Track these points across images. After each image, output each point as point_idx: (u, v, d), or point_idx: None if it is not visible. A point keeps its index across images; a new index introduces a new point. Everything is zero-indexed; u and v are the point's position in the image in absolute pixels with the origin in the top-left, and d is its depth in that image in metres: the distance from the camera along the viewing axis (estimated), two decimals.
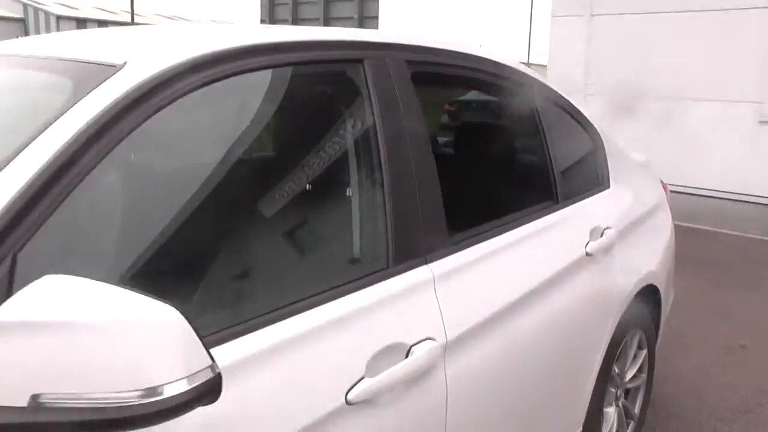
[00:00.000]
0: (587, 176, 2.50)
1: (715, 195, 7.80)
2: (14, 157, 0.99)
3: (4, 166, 0.98)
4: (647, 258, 2.63)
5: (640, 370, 2.69)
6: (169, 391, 0.79)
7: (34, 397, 0.77)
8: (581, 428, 2.25)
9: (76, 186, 1.00)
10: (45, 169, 0.98)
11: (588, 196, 2.39)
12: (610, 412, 2.49)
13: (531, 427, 1.95)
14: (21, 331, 0.78)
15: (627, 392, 2.64)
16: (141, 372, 0.78)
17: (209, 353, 0.84)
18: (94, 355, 0.77)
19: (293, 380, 1.17)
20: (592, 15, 9.19)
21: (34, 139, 1.01)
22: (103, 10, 52.62)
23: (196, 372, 0.81)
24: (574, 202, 2.28)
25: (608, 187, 2.56)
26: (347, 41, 1.58)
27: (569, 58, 9.50)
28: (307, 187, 1.41)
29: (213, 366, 0.83)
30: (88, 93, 1.10)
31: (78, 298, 0.80)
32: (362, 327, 1.31)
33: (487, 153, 2.15)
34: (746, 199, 7.66)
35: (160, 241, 1.16)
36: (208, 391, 0.82)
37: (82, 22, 47.77)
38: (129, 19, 49.32)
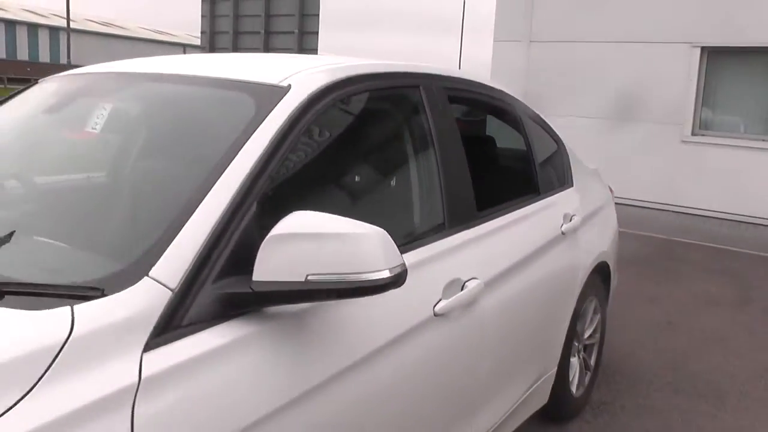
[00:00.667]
0: (557, 176, 3.19)
1: (641, 205, 8.75)
2: (237, 152, 1.52)
3: (234, 159, 1.50)
4: (601, 241, 3.35)
5: (595, 330, 3.40)
6: (379, 276, 1.38)
7: (307, 276, 1.35)
8: (556, 368, 2.92)
9: (278, 167, 1.57)
10: (261, 157, 1.53)
11: (559, 191, 3.08)
12: (574, 361, 3.17)
13: (529, 354, 2.59)
14: (293, 239, 1.35)
15: (585, 348, 3.33)
16: (365, 263, 1.36)
17: (401, 255, 1.43)
18: (340, 252, 1.35)
19: (411, 291, 1.77)
20: (531, 41, 10.07)
21: (248, 139, 1.55)
22: (32, 12, 51.26)
23: (394, 266, 1.40)
24: (550, 195, 2.97)
25: (572, 185, 3.26)
26: (411, 73, 2.20)
27: (509, 78, 10.30)
28: (403, 167, 2.04)
29: (402, 264, 1.42)
30: (273, 107, 1.65)
31: (321, 221, 1.38)
32: (438, 266, 1.93)
33: (491, 155, 2.81)
34: (671, 209, 8.64)
35: (338, 195, 1.75)
36: (399, 279, 1.41)
37: (10, 24, 46.48)
38: (57, 23, 48.24)
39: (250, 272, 1.36)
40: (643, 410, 3.37)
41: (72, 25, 50.60)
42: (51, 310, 1.16)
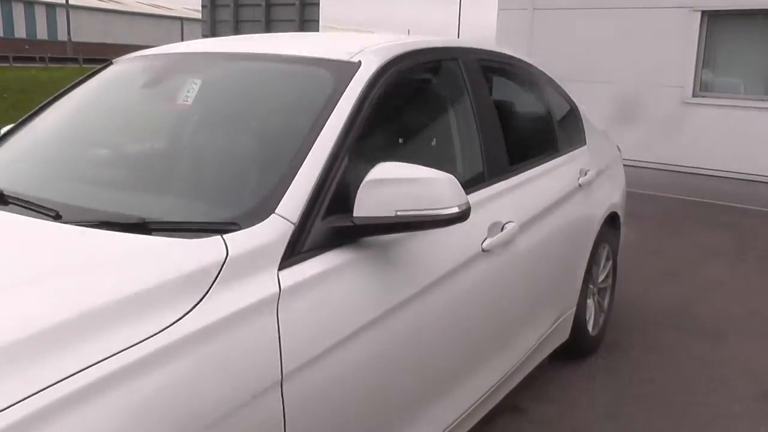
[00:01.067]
0: (573, 136, 3.53)
1: (643, 165, 9.08)
2: (328, 117, 1.86)
3: (327, 122, 1.84)
4: (611, 193, 3.70)
5: (607, 276, 3.76)
6: (450, 211, 1.73)
7: (396, 211, 1.70)
8: (575, 308, 3.29)
9: (360, 127, 1.91)
10: (347, 121, 1.87)
11: (575, 149, 3.42)
12: (590, 303, 3.54)
13: (554, 291, 2.96)
14: (383, 183, 1.69)
15: (599, 291, 3.70)
16: (439, 201, 1.71)
17: (466, 195, 1.78)
18: (419, 193, 1.69)
19: (466, 230, 2.12)
20: (534, 9, 10.31)
21: (336, 105, 1.89)
22: None
23: (461, 204, 1.75)
24: (568, 152, 3.31)
25: (585, 144, 3.60)
26: (450, 47, 2.53)
27: (514, 45, 10.54)
28: (451, 127, 2.39)
29: (467, 202, 1.77)
30: (351, 80, 1.99)
31: (402, 168, 1.73)
32: (482, 210, 2.28)
33: (518, 118, 3.14)
34: (673, 169, 8.98)
35: (405, 148, 2.13)
36: (465, 214, 1.76)
37: (6, 1, 46.36)
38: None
39: (348, 211, 1.71)
40: (651, 347, 3.75)
41: (69, 0, 50.44)
42: (206, 239, 1.52)
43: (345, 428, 1.67)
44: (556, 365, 3.41)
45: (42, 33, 49.64)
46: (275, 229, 1.59)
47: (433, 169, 1.74)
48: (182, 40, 57.33)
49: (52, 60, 37.37)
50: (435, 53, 2.43)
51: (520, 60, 3.14)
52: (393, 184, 1.70)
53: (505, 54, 2.99)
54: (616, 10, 9.29)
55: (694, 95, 8.84)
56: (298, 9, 18.46)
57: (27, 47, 41.67)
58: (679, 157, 8.92)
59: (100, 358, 1.20)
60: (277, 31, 18.54)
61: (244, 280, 1.48)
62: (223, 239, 1.52)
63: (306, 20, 18.64)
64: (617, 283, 4.12)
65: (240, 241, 1.53)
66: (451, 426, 2.17)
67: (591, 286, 3.53)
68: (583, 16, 9.66)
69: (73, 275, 1.37)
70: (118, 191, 1.91)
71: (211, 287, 1.43)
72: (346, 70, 2.04)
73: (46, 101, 2.61)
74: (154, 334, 1.28)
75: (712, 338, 3.89)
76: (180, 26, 57.66)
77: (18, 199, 1.78)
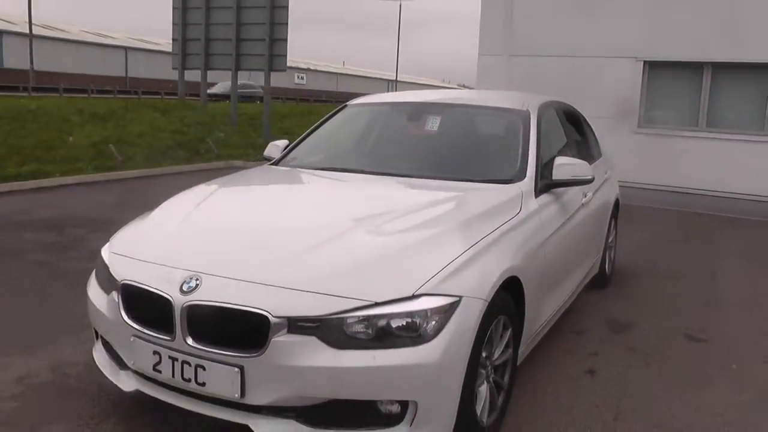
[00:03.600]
0: (597, 151, 5.77)
1: None
2: (529, 135, 3.97)
3: (530, 138, 3.96)
4: (615, 188, 5.96)
5: (614, 237, 6.01)
6: (589, 177, 3.88)
7: (572, 176, 3.82)
8: (601, 254, 5.48)
9: (541, 142, 4.04)
10: (536, 137, 4.00)
11: (598, 158, 5.66)
12: (607, 253, 5.76)
13: (597, 239, 5.14)
14: (564, 164, 3.82)
15: (610, 247, 5.92)
16: (585, 172, 3.83)
17: (591, 170, 3.97)
18: (577, 168, 3.82)
19: (579, 191, 4.30)
20: (510, 55, 12.71)
21: (529, 132, 4.01)
22: None
23: (591, 175, 3.89)
24: (597, 160, 5.53)
25: (601, 156, 5.85)
26: (558, 101, 4.74)
27: (493, 85, 12.88)
28: (569, 139, 4.61)
29: (593, 174, 3.95)
30: (530, 119, 4.13)
31: (566, 158, 3.89)
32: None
33: (585, 136, 5.37)
34: (625, 184, 11.42)
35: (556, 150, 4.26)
36: (593, 180, 3.93)
37: None
38: (2, 26, 48.12)
39: (549, 177, 3.82)
40: (650, 282, 6.01)
41: (12, 27, 50.46)
42: (512, 185, 3.63)
43: (558, 266, 3.76)
44: (590, 290, 5.59)
45: None
46: (528, 183, 3.71)
47: (578, 159, 3.91)
48: (126, 69, 58.20)
49: (6, 89, 37.54)
50: (553, 104, 4.62)
51: (573, 107, 5.39)
52: (567, 164, 3.84)
53: (569, 105, 5.24)
54: (579, 58, 11.78)
55: (639, 126, 11.37)
56: (268, 45, 20.31)
57: None
58: (629, 175, 11.39)
59: (498, 226, 3.24)
60: (247, 65, 20.23)
61: (527, 200, 3.58)
62: (518, 185, 3.62)
63: (274, 55, 20.46)
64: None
65: (520, 186, 3.64)
66: (566, 300, 4.29)
67: (609, 241, 5.75)
68: (551, 62, 12.11)
69: (479, 198, 3.45)
70: (440, 170, 3.92)
71: (522, 201, 3.53)
72: (524, 113, 4.20)
73: (316, 125, 4.67)
74: (511, 218, 3.35)
75: (687, 277, 6.19)
76: (124, 55, 58.00)
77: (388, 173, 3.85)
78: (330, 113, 4.75)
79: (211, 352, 2.52)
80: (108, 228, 7.50)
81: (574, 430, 3.26)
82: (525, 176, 3.72)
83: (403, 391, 2.44)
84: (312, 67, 71.47)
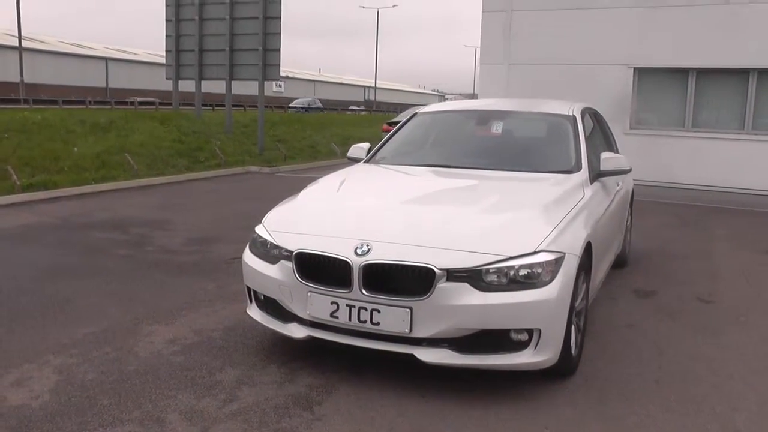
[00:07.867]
0: (616, 145, 6.73)
1: None
2: (578, 135, 4.93)
3: (578, 137, 4.91)
4: (631, 179, 6.92)
5: (630, 220, 6.98)
6: (628, 167, 4.86)
7: (614, 167, 4.79)
8: (623, 236, 6.43)
9: (586, 140, 4.98)
10: (583, 136, 4.95)
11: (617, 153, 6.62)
12: (626, 234, 6.72)
13: (622, 222, 6.09)
14: (609, 157, 4.80)
15: (628, 230, 6.89)
16: (623, 165, 4.81)
17: (628, 163, 4.91)
18: (618, 162, 4.79)
19: (613, 181, 5.26)
20: (510, 64, 13.71)
21: (578, 132, 4.95)
22: None
23: (629, 166, 4.85)
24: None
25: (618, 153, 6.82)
26: (588, 107, 5.68)
27: (493, 93, 13.87)
28: (607, 137, 5.58)
29: (630, 166, 4.89)
30: (577, 122, 5.06)
31: (609, 153, 4.85)
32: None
33: (609, 136, 6.32)
34: None
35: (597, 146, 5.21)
36: (630, 170, 4.87)
37: None
38: None
39: (597, 169, 4.76)
40: (660, 260, 6.98)
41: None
42: (574, 174, 4.56)
43: (606, 238, 4.68)
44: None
45: None
46: (583, 174, 4.62)
47: (618, 153, 4.85)
48: (107, 80, 58.06)
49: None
50: (588, 109, 5.56)
51: (597, 110, 6.34)
52: (610, 158, 4.78)
53: (595, 110, 6.19)
54: (574, 66, 12.81)
55: (631, 128, 12.43)
56: (261, 55, 20.99)
57: None
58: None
59: (574, 204, 4.12)
60: (241, 75, 20.77)
61: (586, 186, 4.50)
62: (578, 175, 4.54)
63: (268, 65, 21.16)
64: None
65: (580, 175, 4.56)
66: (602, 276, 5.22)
67: (627, 224, 6.71)
68: (548, 70, 13.13)
69: (555, 185, 4.37)
70: (512, 163, 4.82)
71: (585, 187, 4.45)
72: (571, 117, 5.14)
73: (396, 129, 5.57)
74: (580, 200, 4.26)
75: (694, 257, 7.18)
76: (105, 66, 58.02)
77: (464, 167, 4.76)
78: (403, 121, 5.65)
79: (384, 298, 3.37)
80: (163, 227, 8.34)
81: (633, 360, 4.19)
82: (581, 168, 4.64)
83: (531, 321, 3.33)
84: (290, 75, 72.29)
